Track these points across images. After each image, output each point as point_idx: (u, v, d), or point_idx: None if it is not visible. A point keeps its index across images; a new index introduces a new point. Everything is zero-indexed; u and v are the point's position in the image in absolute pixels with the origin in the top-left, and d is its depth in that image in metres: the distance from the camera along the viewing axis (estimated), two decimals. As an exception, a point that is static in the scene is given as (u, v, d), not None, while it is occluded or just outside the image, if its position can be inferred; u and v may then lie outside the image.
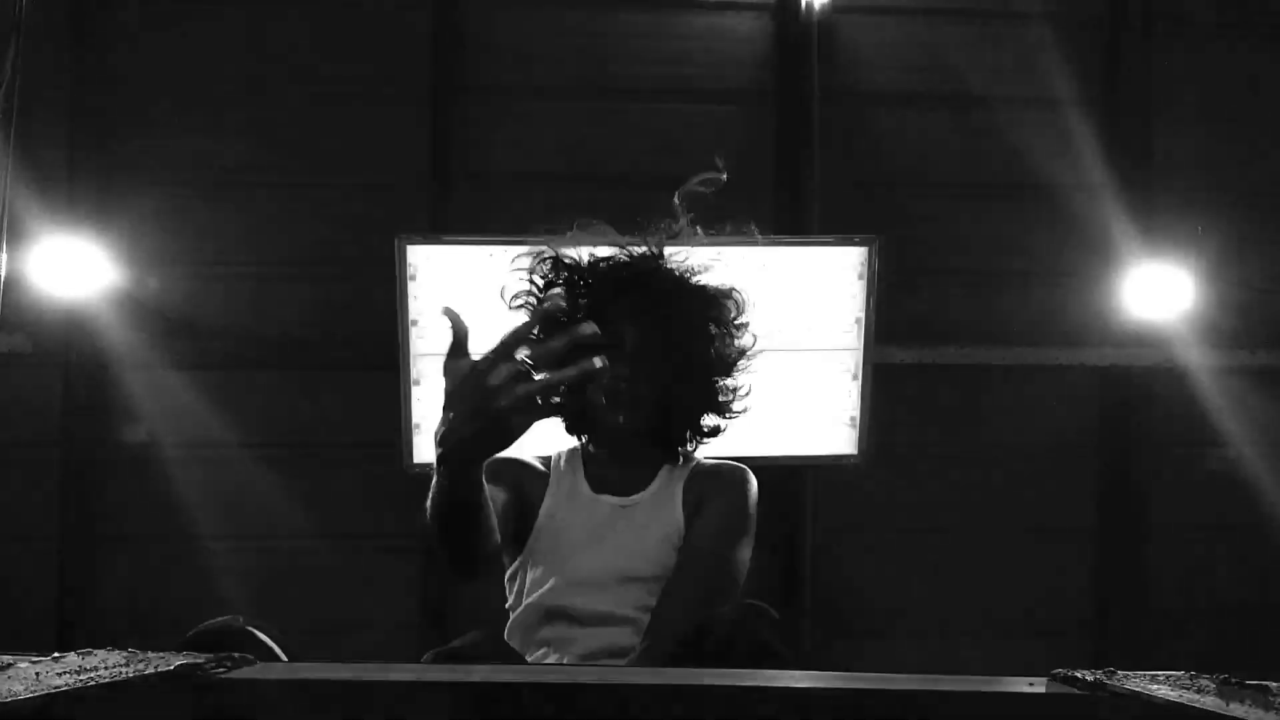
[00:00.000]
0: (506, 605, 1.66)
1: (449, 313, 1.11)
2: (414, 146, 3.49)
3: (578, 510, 1.62)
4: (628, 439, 1.62)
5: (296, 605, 3.41)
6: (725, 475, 1.65)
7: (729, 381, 1.68)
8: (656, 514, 1.60)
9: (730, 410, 1.69)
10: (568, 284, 1.61)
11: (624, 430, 1.58)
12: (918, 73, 3.65)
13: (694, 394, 1.64)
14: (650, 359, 1.56)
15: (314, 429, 3.48)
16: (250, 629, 1.17)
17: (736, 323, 1.68)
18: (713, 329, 1.65)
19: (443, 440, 1.09)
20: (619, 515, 1.60)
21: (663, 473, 1.66)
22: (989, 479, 3.69)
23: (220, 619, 1.18)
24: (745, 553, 1.56)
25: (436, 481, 1.19)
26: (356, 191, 3.49)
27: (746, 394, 1.69)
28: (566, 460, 1.70)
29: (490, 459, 1.34)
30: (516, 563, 1.63)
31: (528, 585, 1.59)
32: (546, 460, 1.72)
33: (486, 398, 1.04)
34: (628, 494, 1.63)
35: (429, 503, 1.25)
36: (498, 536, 1.38)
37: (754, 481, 1.64)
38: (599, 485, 1.65)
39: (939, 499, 3.68)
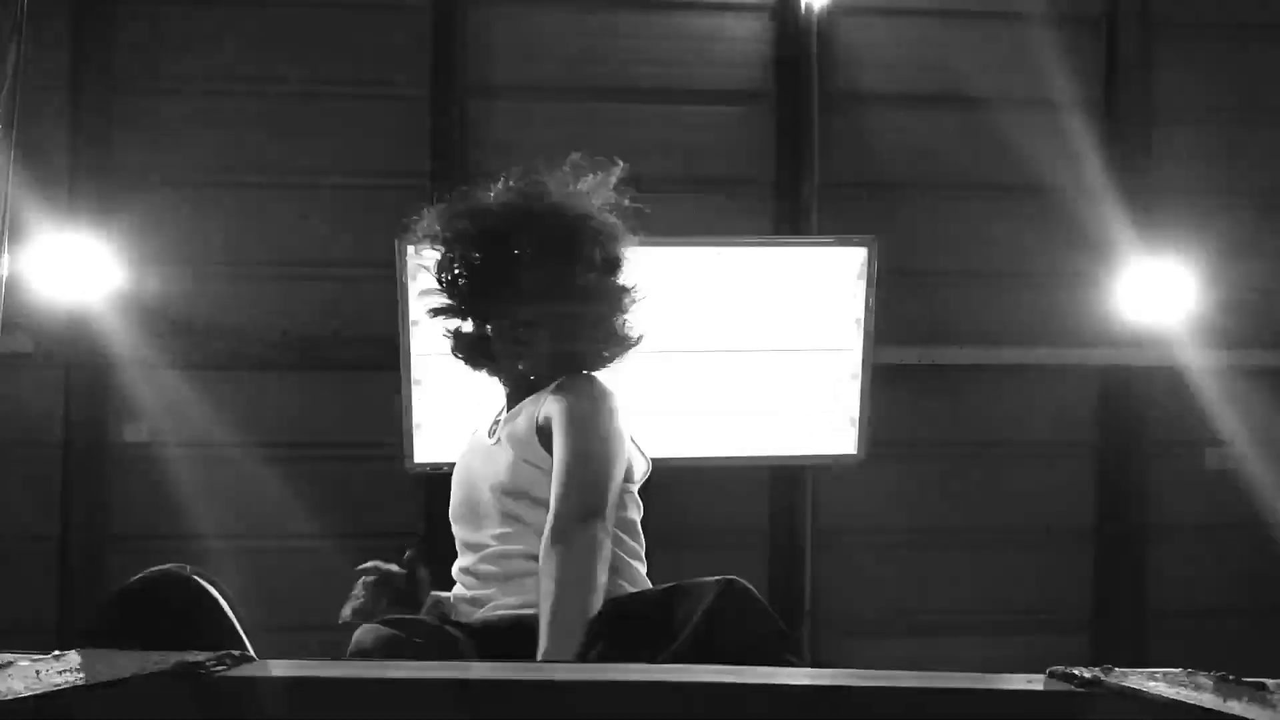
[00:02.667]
0: None
1: None
2: (414, 146, 3.49)
3: (467, 457, 1.70)
4: (529, 380, 1.65)
5: (296, 605, 3.41)
6: (565, 385, 1.60)
7: (618, 314, 1.70)
8: (516, 427, 1.59)
9: (623, 342, 1.71)
10: (464, 234, 1.66)
11: (525, 374, 1.64)
12: (918, 73, 3.65)
13: (583, 327, 1.66)
14: (543, 298, 1.60)
15: (314, 429, 3.48)
16: (195, 577, 1.17)
17: (619, 254, 1.70)
18: (596, 262, 1.66)
19: None
20: (489, 449, 1.65)
21: (529, 398, 1.63)
22: (989, 479, 3.69)
23: (164, 566, 1.19)
24: (596, 444, 1.51)
25: None
26: (356, 191, 3.49)
27: (634, 328, 1.72)
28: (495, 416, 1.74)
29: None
30: None
31: None
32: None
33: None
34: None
35: None
36: None
37: (596, 394, 1.58)
38: (494, 429, 1.69)
39: (938, 499, 3.68)
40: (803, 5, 3.55)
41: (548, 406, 1.56)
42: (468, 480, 1.65)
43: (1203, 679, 0.73)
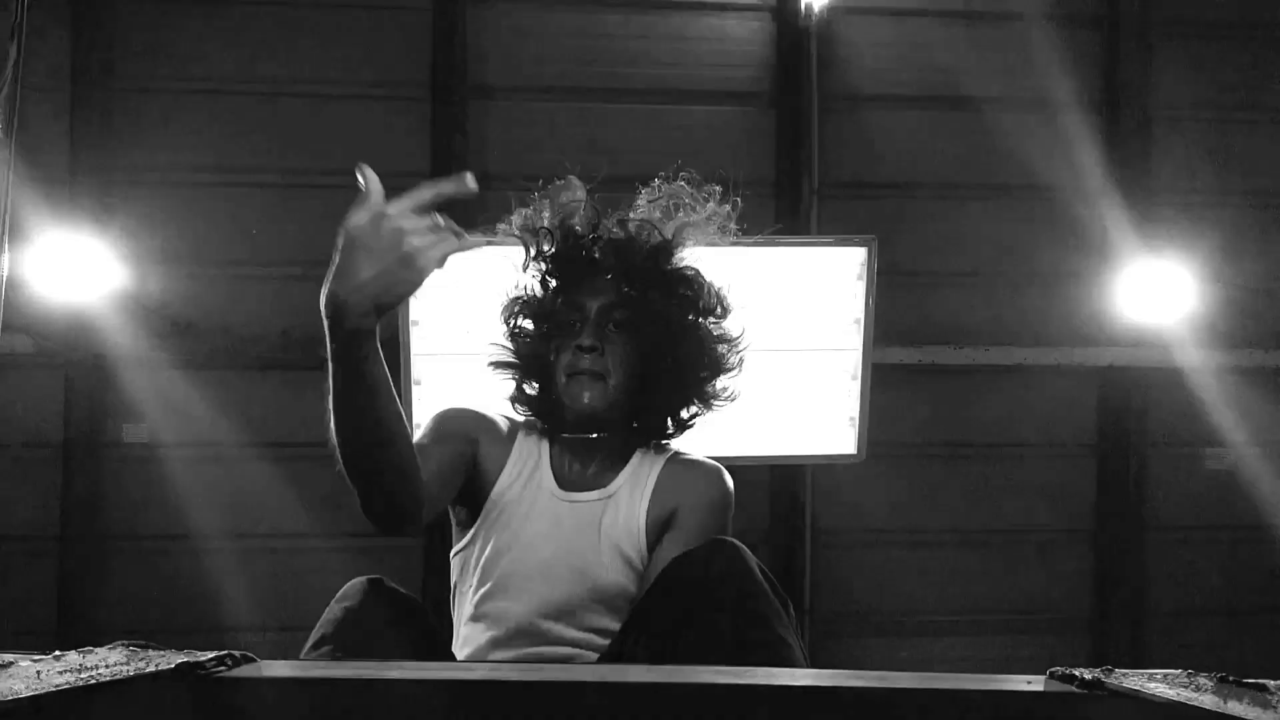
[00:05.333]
0: (453, 580, 1.49)
1: (363, 170, 1.06)
2: (414, 146, 3.49)
3: (536, 504, 1.44)
4: (593, 423, 1.44)
5: (296, 605, 3.41)
6: (703, 480, 1.49)
7: (717, 376, 1.57)
8: (619, 514, 1.44)
9: (714, 402, 1.55)
10: (562, 250, 1.55)
11: (589, 412, 1.42)
12: (917, 74, 3.66)
13: (678, 381, 1.50)
14: (635, 337, 1.45)
15: (314, 429, 3.47)
16: None
17: (727, 318, 1.61)
18: (706, 318, 1.57)
19: (333, 292, 1.00)
20: (581, 515, 1.43)
21: (632, 463, 1.49)
22: (988, 479, 3.69)
23: None
24: None
25: (330, 372, 1.06)
26: (357, 192, 3.48)
27: (731, 392, 1.58)
28: (535, 436, 1.52)
29: (448, 410, 1.47)
30: (466, 540, 1.48)
31: (477, 589, 1.43)
32: (514, 426, 1.54)
33: (395, 239, 1.01)
34: (592, 489, 1.46)
35: (330, 419, 1.14)
36: (423, 473, 1.29)
37: (731, 485, 1.52)
38: (564, 479, 1.47)
39: (938, 499, 3.68)
40: (803, 5, 3.55)
41: (680, 487, 1.45)
42: (549, 557, 1.40)
43: (1203, 680, 0.73)
